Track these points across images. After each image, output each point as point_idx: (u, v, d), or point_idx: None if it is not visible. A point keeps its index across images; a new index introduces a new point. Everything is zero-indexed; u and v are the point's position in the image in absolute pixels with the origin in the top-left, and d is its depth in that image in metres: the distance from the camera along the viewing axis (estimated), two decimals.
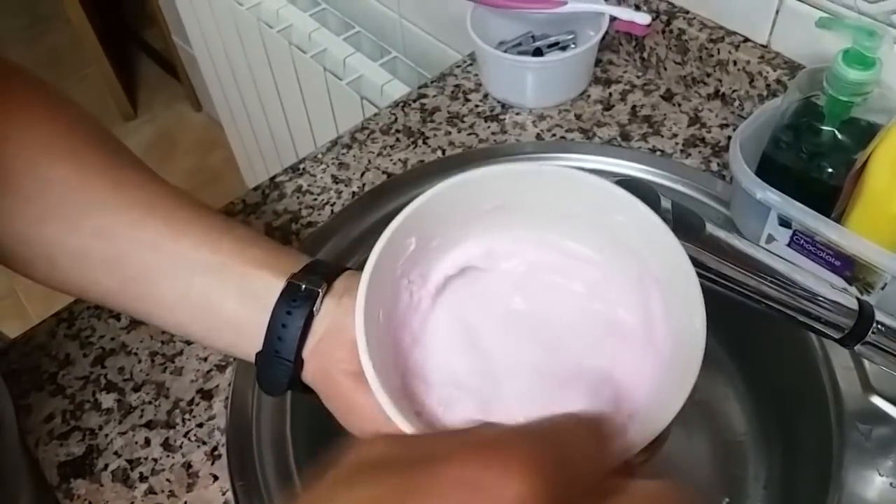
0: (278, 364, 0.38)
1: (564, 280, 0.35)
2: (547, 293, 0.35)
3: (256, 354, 0.39)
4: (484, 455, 0.20)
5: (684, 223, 0.42)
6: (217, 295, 0.39)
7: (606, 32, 0.71)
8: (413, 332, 0.34)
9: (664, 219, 0.42)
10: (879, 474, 0.50)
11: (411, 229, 0.32)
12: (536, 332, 0.34)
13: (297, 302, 0.38)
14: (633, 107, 0.72)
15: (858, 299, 0.44)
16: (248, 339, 0.39)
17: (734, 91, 0.69)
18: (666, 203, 0.42)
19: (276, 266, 0.40)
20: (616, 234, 0.34)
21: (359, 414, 0.36)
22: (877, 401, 0.52)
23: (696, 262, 0.42)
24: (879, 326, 0.43)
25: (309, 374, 0.39)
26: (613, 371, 0.33)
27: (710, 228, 0.43)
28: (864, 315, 0.43)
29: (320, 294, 0.38)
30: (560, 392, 0.31)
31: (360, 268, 0.31)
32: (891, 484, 0.49)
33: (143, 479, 0.52)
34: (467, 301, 0.35)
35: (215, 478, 0.51)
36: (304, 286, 0.38)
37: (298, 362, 0.38)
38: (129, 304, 0.42)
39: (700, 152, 0.68)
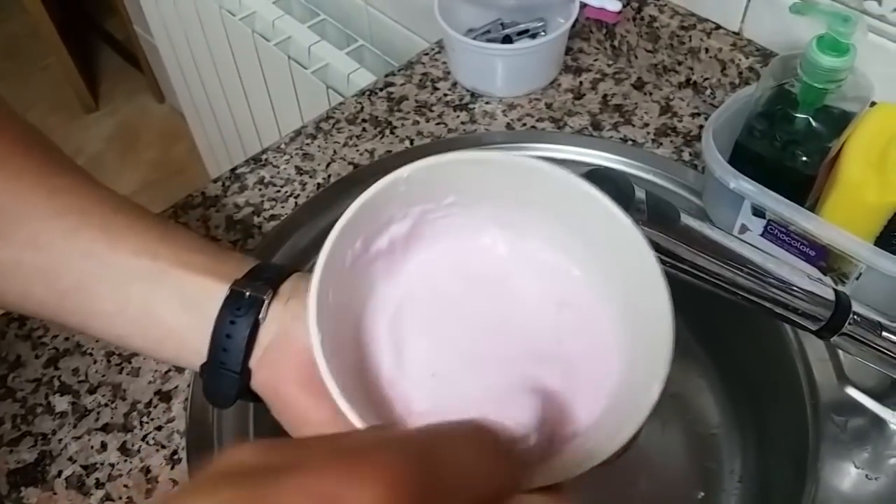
0: (224, 376, 0.36)
1: (522, 281, 0.34)
2: (504, 294, 0.34)
3: (201, 366, 0.37)
4: (342, 464, 0.19)
5: (659, 213, 0.41)
6: (157, 304, 0.37)
7: (577, 20, 0.70)
8: (369, 327, 0.32)
9: (638, 209, 0.40)
10: (855, 466, 0.49)
11: (361, 224, 0.30)
12: (489, 332, 0.32)
13: (242, 310, 0.36)
14: (604, 96, 0.71)
15: (835, 290, 0.43)
16: (192, 350, 0.37)
17: (706, 79, 0.68)
18: (640, 193, 0.40)
19: (218, 272, 0.37)
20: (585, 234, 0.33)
21: (312, 427, 0.34)
22: (852, 392, 0.52)
23: (670, 254, 0.41)
24: (856, 317, 0.43)
25: (257, 385, 0.37)
26: (561, 386, 0.31)
27: (685, 218, 0.42)
28: (841, 306, 0.43)
29: (266, 301, 0.36)
30: (506, 400, 0.30)
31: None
32: (866, 475, 0.49)
33: (99, 485, 0.49)
34: (419, 300, 0.33)
35: (175, 483, 0.49)
36: (248, 293, 0.36)
37: (246, 373, 0.36)
38: (66, 318, 0.39)
39: (672, 142, 0.67)
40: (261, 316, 0.36)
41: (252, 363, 0.36)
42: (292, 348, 0.35)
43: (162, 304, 0.37)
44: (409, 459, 0.20)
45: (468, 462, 0.22)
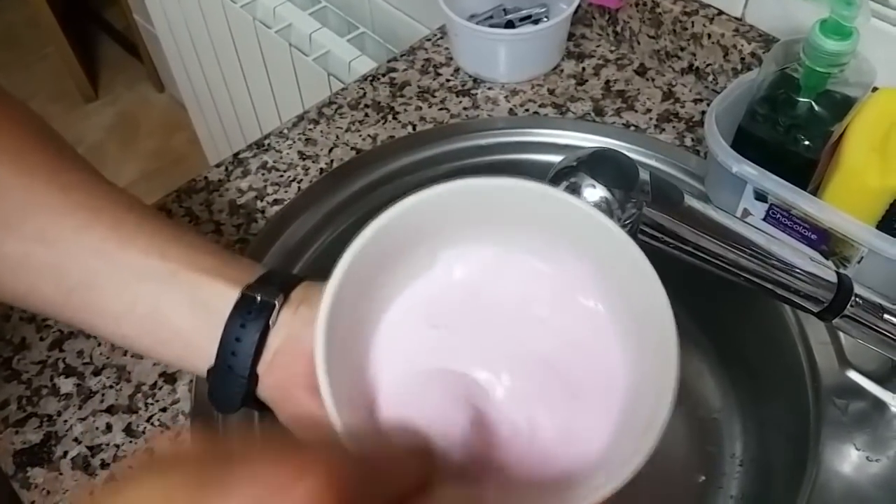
0: (231, 380, 0.36)
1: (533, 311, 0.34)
2: (513, 320, 0.34)
3: (208, 370, 0.37)
4: (283, 457, 0.22)
5: (663, 195, 0.41)
6: (166, 305, 0.37)
7: (579, 5, 0.70)
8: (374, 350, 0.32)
9: (643, 190, 0.41)
10: (856, 448, 0.49)
11: (374, 247, 0.31)
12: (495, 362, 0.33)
13: (252, 314, 0.36)
14: (607, 81, 0.71)
15: (837, 272, 0.43)
16: (200, 352, 0.36)
17: (708, 65, 0.68)
18: (644, 175, 0.41)
19: (229, 276, 0.37)
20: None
21: (321, 431, 0.34)
22: (853, 375, 0.52)
23: (674, 235, 0.41)
24: (858, 300, 0.43)
25: (264, 391, 0.37)
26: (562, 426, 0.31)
27: (689, 200, 0.42)
28: (844, 288, 0.43)
29: (277, 306, 0.36)
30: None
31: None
32: (867, 458, 0.49)
33: (104, 466, 0.50)
34: (426, 324, 0.33)
35: None
36: (259, 297, 0.36)
37: (253, 378, 0.36)
38: (71, 315, 0.39)
39: (674, 127, 0.67)
40: (271, 321, 0.36)
41: (260, 368, 0.36)
42: (301, 353, 0.35)
43: (171, 305, 0.37)
44: (343, 459, 0.23)
45: (406, 479, 0.25)
